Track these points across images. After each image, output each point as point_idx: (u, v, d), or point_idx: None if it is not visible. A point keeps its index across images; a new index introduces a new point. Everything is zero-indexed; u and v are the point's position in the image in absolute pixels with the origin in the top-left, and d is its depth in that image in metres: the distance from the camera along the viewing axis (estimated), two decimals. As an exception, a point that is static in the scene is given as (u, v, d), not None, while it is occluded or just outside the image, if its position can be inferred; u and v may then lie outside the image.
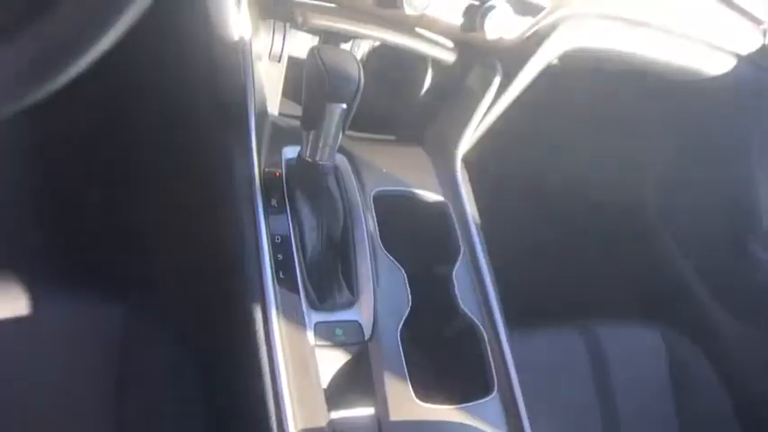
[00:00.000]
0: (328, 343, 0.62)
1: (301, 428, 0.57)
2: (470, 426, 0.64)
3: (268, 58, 0.71)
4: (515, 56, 0.79)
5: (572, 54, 0.82)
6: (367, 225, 0.70)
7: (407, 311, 0.67)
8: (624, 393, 0.97)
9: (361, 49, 0.82)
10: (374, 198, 0.73)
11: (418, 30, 0.75)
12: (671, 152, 1.20)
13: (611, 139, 1.17)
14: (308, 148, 0.64)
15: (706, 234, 1.20)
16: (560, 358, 0.96)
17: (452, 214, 0.78)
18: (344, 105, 0.59)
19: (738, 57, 0.95)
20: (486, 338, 0.71)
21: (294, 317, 0.61)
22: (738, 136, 1.14)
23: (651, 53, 0.88)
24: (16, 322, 0.66)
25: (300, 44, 0.75)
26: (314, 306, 0.63)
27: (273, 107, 0.76)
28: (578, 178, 1.18)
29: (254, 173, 0.65)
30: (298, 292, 0.63)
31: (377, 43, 0.80)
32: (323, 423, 0.58)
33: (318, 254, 0.67)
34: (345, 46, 0.77)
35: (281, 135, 0.72)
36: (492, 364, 0.70)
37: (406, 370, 0.64)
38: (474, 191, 0.81)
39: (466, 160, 0.84)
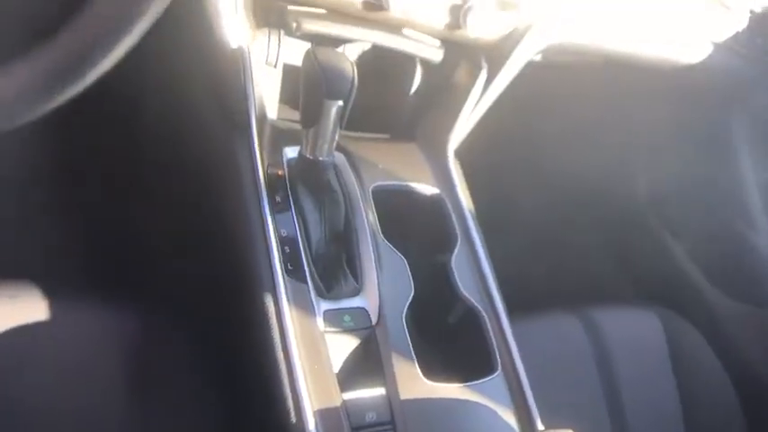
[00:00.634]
0: (337, 329, 0.66)
1: (317, 408, 0.60)
2: (477, 402, 0.67)
3: (265, 65, 0.75)
4: (498, 52, 0.84)
5: (552, 49, 0.86)
6: (367, 217, 0.74)
7: (411, 297, 0.70)
8: (626, 374, 1.00)
9: (353, 51, 0.86)
10: (373, 192, 0.76)
11: (405, 31, 0.79)
12: (659, 140, 1.24)
13: (601, 129, 1.21)
14: (308, 145, 0.68)
15: (696, 220, 1.24)
16: (560, 341, 0.99)
17: (448, 205, 0.81)
18: (341, 102, 0.63)
19: (715, 45, 1.00)
20: (487, 321, 0.74)
21: (304, 306, 0.64)
22: (722, 122, 1.18)
23: (627, 45, 0.92)
24: (36, 328, 0.69)
25: (294, 50, 0.79)
26: (322, 295, 0.67)
27: (272, 111, 0.80)
28: (571, 169, 1.22)
29: (258, 173, 0.69)
30: (306, 283, 0.66)
31: (367, 45, 0.84)
32: (337, 403, 0.61)
33: (323, 246, 0.71)
34: (338, 49, 0.81)
35: (280, 137, 0.76)
36: (494, 344, 0.73)
37: (412, 352, 0.67)
38: (469, 183, 0.85)
39: (459, 154, 0.87)
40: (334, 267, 0.71)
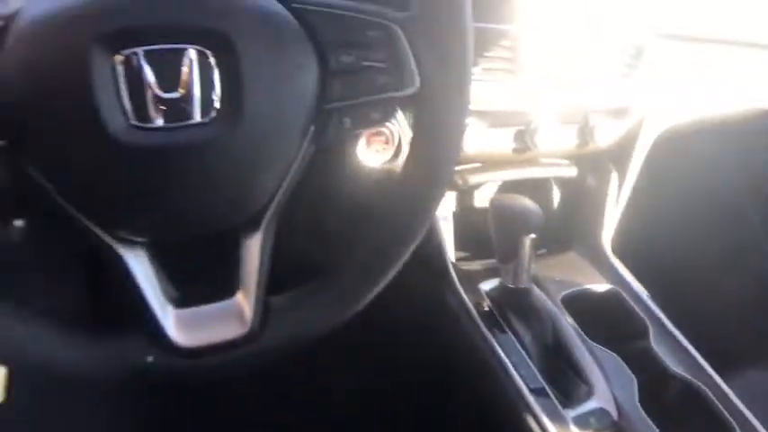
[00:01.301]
0: None
1: None
2: None
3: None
4: (620, 152, 0.95)
5: (666, 133, 0.97)
6: (569, 324, 0.82)
7: (636, 386, 0.77)
8: None
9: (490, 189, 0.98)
10: (562, 301, 0.85)
11: (542, 159, 0.92)
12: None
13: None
14: (510, 276, 0.79)
15: None
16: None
17: (626, 297, 0.89)
18: (533, 235, 0.74)
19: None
20: (708, 393, 0.79)
21: (557, 418, 0.72)
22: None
23: (726, 110, 1.04)
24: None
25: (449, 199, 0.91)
26: (563, 404, 0.74)
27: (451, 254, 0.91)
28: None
29: (470, 308, 0.79)
30: (548, 396, 0.74)
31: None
32: None
33: (543, 360, 0.79)
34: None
35: (466, 276, 0.87)
36: (725, 413, 0.77)
37: None
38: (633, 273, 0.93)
39: (615, 249, 0.96)
40: (560, 376, 0.78)
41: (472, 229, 0.88)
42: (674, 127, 0.98)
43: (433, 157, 0.51)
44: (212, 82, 0.42)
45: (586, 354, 0.80)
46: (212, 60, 0.42)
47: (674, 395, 0.81)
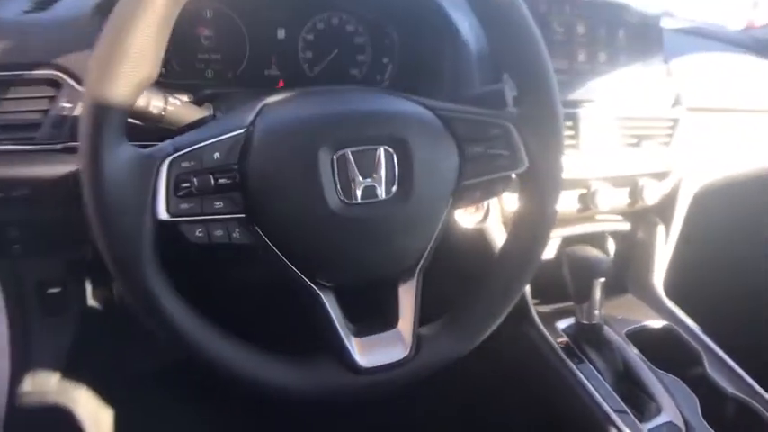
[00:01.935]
0: None
1: None
2: None
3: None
4: (665, 207, 1.12)
5: (702, 189, 1.14)
6: (635, 354, 0.97)
7: (698, 405, 0.91)
8: None
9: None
10: (626, 335, 1.01)
11: (598, 216, 1.08)
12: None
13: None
14: (584, 315, 0.94)
15: None
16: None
17: (681, 331, 1.04)
18: (603, 278, 0.91)
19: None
20: (762, 410, 0.92)
21: (635, 430, 0.86)
22: None
23: (749, 167, 1.20)
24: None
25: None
26: (639, 420, 0.88)
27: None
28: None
29: (552, 343, 0.95)
30: (626, 412, 0.88)
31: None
32: None
33: (617, 383, 0.94)
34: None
35: (543, 316, 1.03)
36: None
37: None
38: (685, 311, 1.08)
39: (667, 291, 1.12)
40: (632, 397, 0.93)
41: (545, 277, 1.04)
42: (708, 184, 1.15)
43: (539, 217, 0.68)
44: (393, 170, 0.60)
45: (653, 377, 0.94)
46: (394, 156, 0.60)
47: (731, 412, 0.95)
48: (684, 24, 1.45)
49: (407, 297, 0.65)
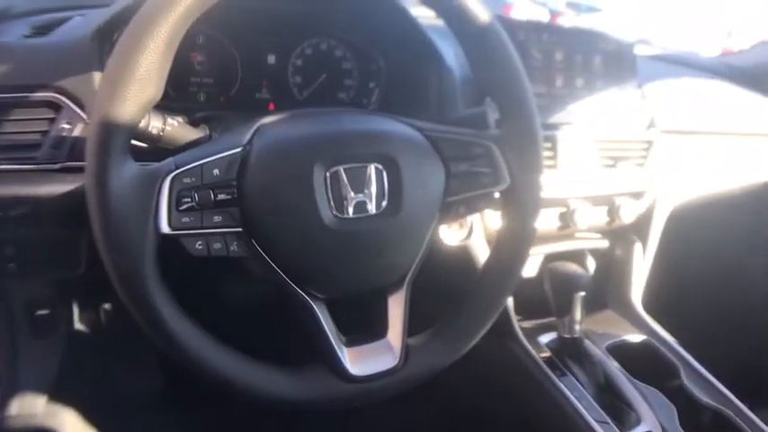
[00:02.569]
0: None
1: None
2: None
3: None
4: (641, 225, 1.16)
5: (677, 208, 1.19)
6: (615, 367, 1.00)
7: (676, 414, 0.94)
8: None
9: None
10: (606, 349, 1.04)
11: (577, 234, 1.12)
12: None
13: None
14: (566, 328, 0.98)
15: None
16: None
17: (659, 345, 1.08)
18: (584, 293, 0.94)
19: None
20: (737, 419, 0.96)
21: None
22: None
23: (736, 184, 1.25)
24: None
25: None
26: (620, 429, 0.91)
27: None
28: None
29: (535, 357, 0.98)
30: (608, 423, 0.91)
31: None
32: None
33: (599, 394, 0.97)
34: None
35: (526, 331, 1.06)
36: None
37: None
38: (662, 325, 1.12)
39: (645, 306, 1.16)
40: (613, 408, 0.96)
41: (527, 294, 1.07)
42: (683, 203, 1.20)
43: (520, 233, 0.72)
44: (383, 186, 0.63)
45: (633, 389, 0.97)
46: (384, 173, 0.63)
47: (708, 421, 0.98)
48: (659, 51, 1.51)
49: (396, 308, 0.68)
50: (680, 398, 0.99)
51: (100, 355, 1.17)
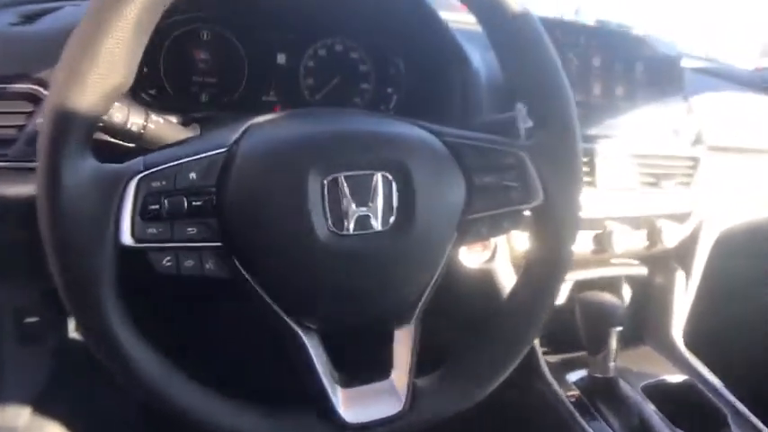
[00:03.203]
0: None
1: None
2: None
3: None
4: (684, 252, 1.05)
5: (724, 233, 1.07)
6: (653, 412, 0.89)
7: None
8: None
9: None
10: (641, 389, 0.93)
11: (613, 260, 1.02)
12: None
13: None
14: (598, 367, 0.87)
15: None
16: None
17: (702, 388, 0.96)
18: (620, 327, 0.83)
19: None
20: None
21: None
22: None
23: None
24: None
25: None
26: None
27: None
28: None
29: (563, 398, 0.87)
30: None
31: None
32: None
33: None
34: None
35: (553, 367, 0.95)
36: None
37: None
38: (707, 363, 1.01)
39: (687, 342, 1.04)
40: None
41: (555, 324, 0.97)
42: (731, 228, 1.08)
43: (553, 258, 0.61)
44: (391, 199, 0.54)
45: (670, 434, 0.86)
46: (393, 183, 0.54)
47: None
48: (703, 64, 1.41)
49: (403, 343, 0.58)
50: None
51: (89, 369, 1.10)
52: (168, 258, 0.50)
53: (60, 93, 0.46)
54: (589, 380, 0.91)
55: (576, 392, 0.91)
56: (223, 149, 0.52)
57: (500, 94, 0.83)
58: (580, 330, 0.89)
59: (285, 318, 0.54)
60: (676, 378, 0.98)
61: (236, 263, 0.51)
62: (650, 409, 0.90)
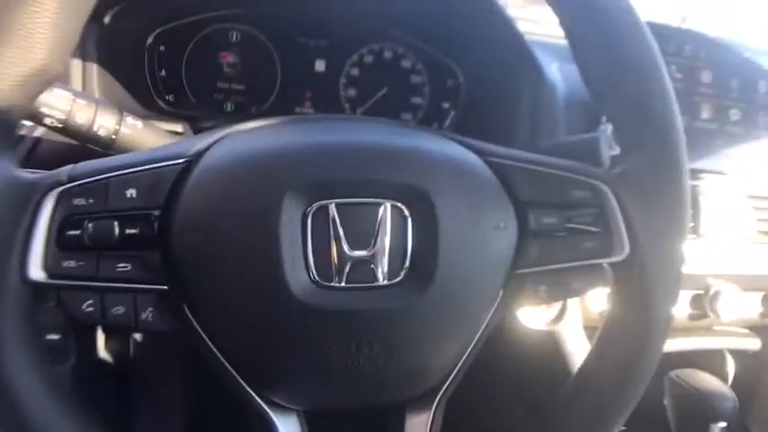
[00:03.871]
0: None
1: None
2: None
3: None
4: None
5: None
6: None
7: None
8: None
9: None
10: None
11: (716, 327, 0.83)
12: None
13: None
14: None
15: None
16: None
17: None
18: (725, 424, 0.64)
19: None
20: None
21: None
22: None
23: None
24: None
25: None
26: None
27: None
28: None
29: None
30: None
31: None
32: None
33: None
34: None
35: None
36: None
37: None
38: None
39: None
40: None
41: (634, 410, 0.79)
42: None
43: (643, 327, 0.44)
44: (404, 241, 0.38)
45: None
46: (408, 218, 0.38)
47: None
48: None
49: None
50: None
51: (112, 398, 1.01)
52: (90, 302, 0.38)
53: None
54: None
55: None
56: (179, 161, 0.39)
57: (580, 115, 0.71)
58: (670, 420, 0.70)
59: (250, 392, 0.40)
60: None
61: (188, 314, 0.38)
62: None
